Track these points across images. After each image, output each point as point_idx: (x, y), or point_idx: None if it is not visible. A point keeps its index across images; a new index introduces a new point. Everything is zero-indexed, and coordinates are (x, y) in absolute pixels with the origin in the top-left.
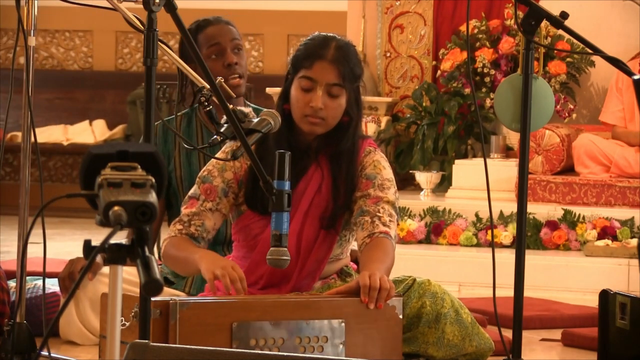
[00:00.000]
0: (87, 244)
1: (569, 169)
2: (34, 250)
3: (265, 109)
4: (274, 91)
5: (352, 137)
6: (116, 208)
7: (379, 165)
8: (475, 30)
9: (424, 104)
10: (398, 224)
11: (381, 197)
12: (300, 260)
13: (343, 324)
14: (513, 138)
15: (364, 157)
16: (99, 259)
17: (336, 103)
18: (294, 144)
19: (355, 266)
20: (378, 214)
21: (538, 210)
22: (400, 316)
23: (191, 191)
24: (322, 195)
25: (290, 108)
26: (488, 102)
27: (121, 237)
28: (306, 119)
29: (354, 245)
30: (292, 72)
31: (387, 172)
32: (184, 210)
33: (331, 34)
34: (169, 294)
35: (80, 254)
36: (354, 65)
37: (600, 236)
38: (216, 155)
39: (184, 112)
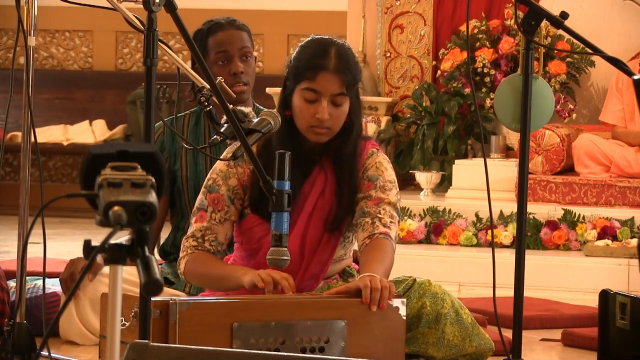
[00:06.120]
0: (87, 244)
1: (569, 169)
2: (34, 250)
3: (266, 109)
4: (274, 91)
5: (355, 139)
6: (116, 208)
7: (381, 166)
8: (475, 30)
9: (424, 104)
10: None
11: (382, 198)
12: (304, 262)
13: (345, 324)
14: (513, 138)
15: (366, 159)
16: (99, 259)
17: (340, 111)
18: (297, 147)
19: (357, 266)
20: (379, 215)
21: (538, 210)
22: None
23: (198, 202)
24: (325, 197)
25: (291, 114)
26: (488, 102)
27: (121, 237)
28: (312, 129)
29: (355, 245)
30: (292, 81)
31: (389, 174)
32: (195, 224)
33: (328, 38)
34: (169, 294)
35: (80, 254)
36: (355, 70)
37: (600, 236)
38: (220, 158)
39: (192, 110)
